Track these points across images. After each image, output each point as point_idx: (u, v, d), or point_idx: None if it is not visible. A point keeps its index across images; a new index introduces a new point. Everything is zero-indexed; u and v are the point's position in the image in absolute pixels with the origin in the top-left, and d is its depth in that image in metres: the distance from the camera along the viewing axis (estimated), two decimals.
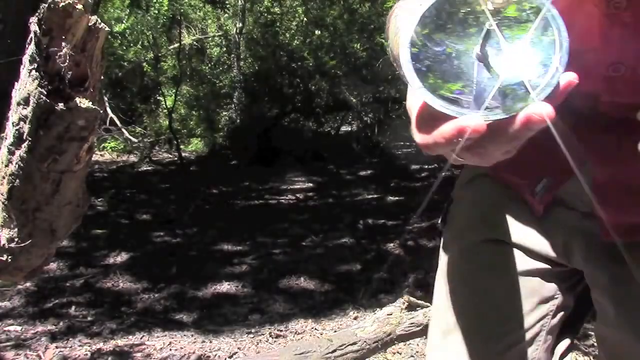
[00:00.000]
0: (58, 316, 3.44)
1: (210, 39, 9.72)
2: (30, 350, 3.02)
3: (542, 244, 0.91)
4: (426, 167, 8.13)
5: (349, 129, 10.28)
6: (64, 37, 0.57)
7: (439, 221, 1.05)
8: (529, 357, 0.92)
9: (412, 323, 2.71)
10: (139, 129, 9.01)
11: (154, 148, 8.58)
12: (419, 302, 2.88)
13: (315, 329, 3.37)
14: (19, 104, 0.62)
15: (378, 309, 3.01)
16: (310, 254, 4.59)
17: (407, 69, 0.53)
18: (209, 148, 8.81)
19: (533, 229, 0.91)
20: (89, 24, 0.59)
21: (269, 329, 3.36)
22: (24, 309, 3.51)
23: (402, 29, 0.73)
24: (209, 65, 9.54)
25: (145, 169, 7.67)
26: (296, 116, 9.07)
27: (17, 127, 0.63)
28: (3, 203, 0.70)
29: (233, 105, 8.93)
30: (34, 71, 0.59)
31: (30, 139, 0.63)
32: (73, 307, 3.57)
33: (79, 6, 0.57)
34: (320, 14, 9.05)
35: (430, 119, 0.52)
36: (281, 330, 3.33)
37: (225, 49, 9.49)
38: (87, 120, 0.62)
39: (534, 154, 0.83)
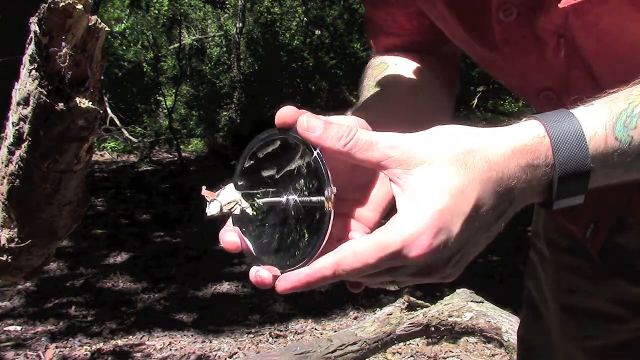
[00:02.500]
0: (58, 316, 3.44)
1: (210, 39, 9.71)
2: (30, 350, 3.02)
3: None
4: None
5: None
6: (64, 37, 0.57)
7: (522, 262, 1.07)
8: None
9: (412, 323, 2.71)
10: (139, 129, 9.01)
11: (154, 148, 8.57)
12: (419, 302, 2.88)
13: (315, 329, 3.37)
14: (19, 104, 0.62)
15: (378, 309, 3.01)
16: None
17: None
18: (209, 148, 8.80)
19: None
20: (89, 24, 0.59)
21: (269, 329, 3.36)
22: (24, 309, 3.51)
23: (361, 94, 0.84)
24: (209, 65, 9.53)
25: (145, 169, 7.67)
26: None
27: (17, 127, 0.63)
28: (3, 203, 0.70)
29: (233, 105, 8.93)
30: (34, 71, 0.59)
31: (30, 139, 0.63)
32: (73, 307, 3.57)
33: (79, 6, 0.57)
34: (320, 14, 9.05)
35: None
36: (281, 330, 3.33)
37: (225, 49, 9.48)
38: (87, 120, 0.62)
39: None
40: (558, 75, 0.71)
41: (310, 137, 0.54)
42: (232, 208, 0.59)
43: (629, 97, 0.56)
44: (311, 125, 0.54)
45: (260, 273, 0.56)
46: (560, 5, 0.65)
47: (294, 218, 0.57)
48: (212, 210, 0.58)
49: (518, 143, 0.54)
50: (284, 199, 0.58)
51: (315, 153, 0.54)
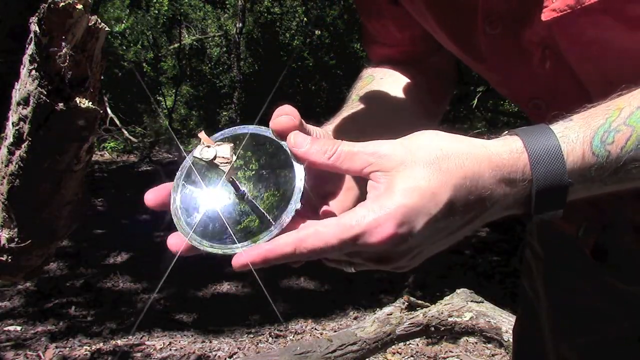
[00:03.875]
0: (58, 316, 3.44)
1: (210, 39, 9.71)
2: (30, 350, 3.02)
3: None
4: None
5: None
6: (64, 37, 0.57)
7: (518, 261, 1.09)
8: None
9: (412, 323, 2.71)
10: (139, 129, 9.01)
11: (154, 148, 8.57)
12: (419, 302, 2.88)
13: (315, 329, 3.37)
14: (19, 104, 0.62)
15: (378, 309, 3.01)
16: None
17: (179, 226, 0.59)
18: None
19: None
20: (89, 24, 0.59)
21: (269, 329, 3.36)
22: (24, 309, 3.51)
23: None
24: (209, 65, 9.53)
25: (145, 169, 7.67)
26: None
27: (17, 127, 0.63)
28: (3, 203, 0.70)
29: (233, 105, 8.93)
30: (34, 71, 0.59)
31: (30, 139, 0.63)
32: (73, 307, 3.57)
33: (79, 6, 0.57)
34: (320, 14, 9.05)
35: None
36: (281, 330, 3.34)
37: (225, 49, 9.48)
38: (87, 120, 0.62)
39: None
40: (545, 85, 0.72)
41: (298, 152, 0.58)
42: (222, 164, 0.59)
43: (607, 111, 0.57)
44: (298, 141, 0.58)
45: (170, 240, 0.58)
46: (543, 19, 0.66)
47: (248, 209, 0.58)
48: (205, 154, 0.58)
49: (495, 156, 0.55)
50: (243, 189, 0.59)
51: (303, 176, 0.57)
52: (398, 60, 0.95)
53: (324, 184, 0.65)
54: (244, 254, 0.54)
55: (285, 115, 0.60)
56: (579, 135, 0.56)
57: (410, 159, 0.54)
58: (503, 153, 0.55)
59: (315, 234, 0.52)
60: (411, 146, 0.55)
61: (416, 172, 0.53)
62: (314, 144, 0.58)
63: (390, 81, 0.91)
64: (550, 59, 0.71)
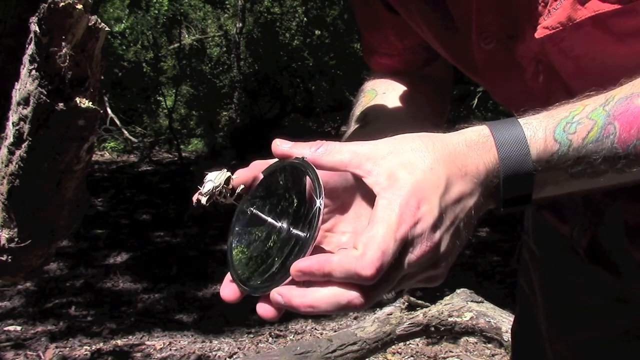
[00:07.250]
0: (58, 316, 3.44)
1: (210, 39, 9.71)
2: (30, 350, 3.02)
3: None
4: None
5: None
6: (64, 37, 0.58)
7: (515, 261, 1.11)
8: None
9: (412, 323, 2.71)
10: (139, 129, 9.00)
11: (154, 148, 8.57)
12: (419, 302, 2.88)
13: (315, 329, 3.37)
14: (19, 104, 0.63)
15: (378, 309, 3.01)
16: None
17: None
18: (209, 148, 8.80)
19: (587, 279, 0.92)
20: (89, 24, 0.59)
21: (269, 329, 3.36)
22: (24, 309, 3.51)
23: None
24: (209, 65, 9.53)
25: (145, 169, 7.67)
26: (296, 116, 9.09)
27: (17, 127, 0.63)
28: (3, 203, 0.70)
29: (233, 105, 8.92)
30: (34, 71, 0.59)
31: (30, 139, 0.63)
32: (73, 307, 3.57)
33: (79, 6, 0.57)
34: (320, 13, 9.04)
35: None
36: (281, 330, 3.34)
37: (225, 49, 9.48)
38: (87, 120, 0.62)
39: (566, 197, 0.84)
40: (539, 98, 0.74)
41: (283, 150, 0.59)
42: (221, 181, 0.60)
43: (572, 107, 0.61)
44: (283, 142, 0.60)
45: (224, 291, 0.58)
46: (536, 36, 0.68)
47: (280, 242, 0.59)
48: (206, 187, 0.60)
49: (468, 139, 0.59)
50: (278, 224, 0.59)
51: (318, 202, 0.56)
52: (399, 69, 0.96)
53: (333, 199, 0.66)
54: (305, 260, 0.52)
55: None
56: (541, 123, 0.59)
57: (398, 148, 0.56)
58: (473, 137, 0.59)
59: (372, 239, 0.50)
60: (396, 138, 0.58)
61: (408, 156, 0.55)
62: (299, 142, 0.59)
63: (393, 96, 0.93)
64: (544, 72, 0.73)
